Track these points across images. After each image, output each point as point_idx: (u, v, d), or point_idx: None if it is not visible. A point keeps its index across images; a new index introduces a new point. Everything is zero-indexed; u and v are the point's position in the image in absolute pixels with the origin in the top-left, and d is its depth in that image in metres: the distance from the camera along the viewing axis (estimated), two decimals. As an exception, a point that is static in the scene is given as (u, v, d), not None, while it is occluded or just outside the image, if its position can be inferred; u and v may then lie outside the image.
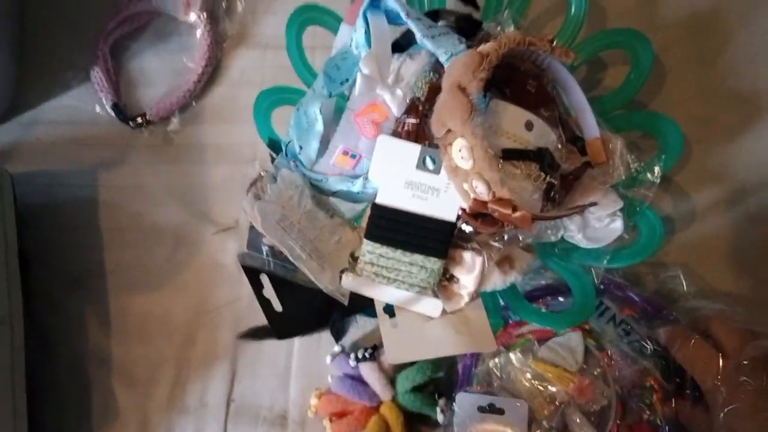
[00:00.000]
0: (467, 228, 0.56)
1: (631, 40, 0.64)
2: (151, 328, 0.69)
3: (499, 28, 0.62)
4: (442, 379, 0.63)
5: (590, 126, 0.57)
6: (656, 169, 0.60)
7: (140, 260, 0.71)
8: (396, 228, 0.56)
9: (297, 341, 0.68)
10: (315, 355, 0.67)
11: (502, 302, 0.61)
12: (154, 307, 0.70)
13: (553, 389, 0.60)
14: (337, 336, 0.64)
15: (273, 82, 0.69)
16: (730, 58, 0.72)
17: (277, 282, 0.58)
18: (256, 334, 0.64)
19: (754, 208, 0.67)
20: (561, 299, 0.63)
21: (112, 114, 0.73)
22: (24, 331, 0.63)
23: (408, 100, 0.57)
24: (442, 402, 0.62)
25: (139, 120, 0.73)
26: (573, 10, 0.66)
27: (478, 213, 0.52)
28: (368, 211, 0.60)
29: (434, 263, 0.56)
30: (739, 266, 0.66)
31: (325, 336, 0.67)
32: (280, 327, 0.59)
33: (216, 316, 0.69)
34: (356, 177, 0.58)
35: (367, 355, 0.62)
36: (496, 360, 0.62)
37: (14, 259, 0.65)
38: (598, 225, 0.59)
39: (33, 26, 0.77)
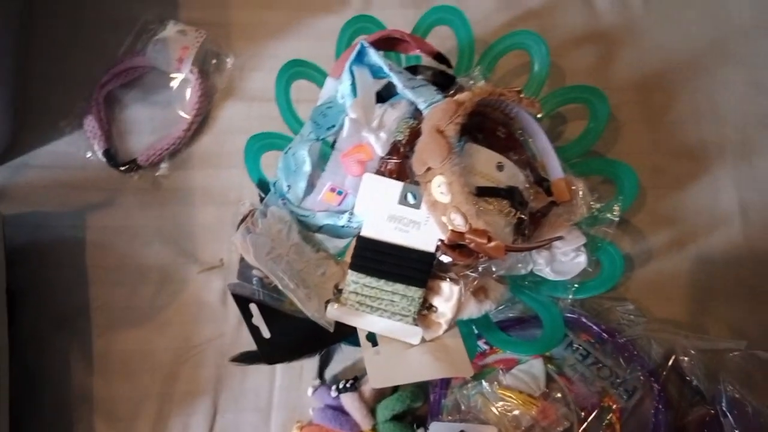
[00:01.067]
0: (445, 259, 0.59)
1: (589, 96, 0.70)
2: (135, 365, 0.70)
3: (471, 82, 0.67)
4: (421, 409, 0.65)
5: (555, 168, 0.62)
6: (615, 207, 0.64)
7: (126, 299, 0.72)
8: (379, 259, 0.58)
9: (278, 376, 0.69)
10: (296, 389, 0.68)
11: (476, 330, 0.63)
12: (137, 344, 0.70)
13: (518, 414, 0.62)
14: (321, 368, 0.66)
15: (258, 131, 0.72)
16: (677, 115, 0.79)
17: (265, 311, 0.60)
18: (246, 358, 0.65)
19: (703, 248, 0.72)
20: (523, 332, 0.66)
21: (103, 159, 0.76)
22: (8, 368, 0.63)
23: (390, 143, 0.61)
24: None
25: (130, 165, 0.75)
26: (536, 68, 0.71)
27: (455, 244, 0.55)
28: (352, 245, 0.63)
29: (415, 292, 0.59)
30: (691, 300, 0.71)
31: (306, 369, 0.68)
32: (268, 353, 0.61)
33: (199, 353, 0.70)
34: (342, 212, 0.61)
35: (348, 385, 0.64)
36: (464, 390, 0.65)
37: (3, 297, 0.66)
38: (564, 259, 0.63)
39: (30, 76, 0.80)
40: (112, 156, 0.76)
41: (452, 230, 0.54)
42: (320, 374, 0.66)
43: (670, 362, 0.65)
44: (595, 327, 0.66)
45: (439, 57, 0.71)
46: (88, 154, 0.76)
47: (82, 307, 0.71)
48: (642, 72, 0.82)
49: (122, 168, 0.76)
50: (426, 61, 0.73)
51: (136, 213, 0.75)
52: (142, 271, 0.73)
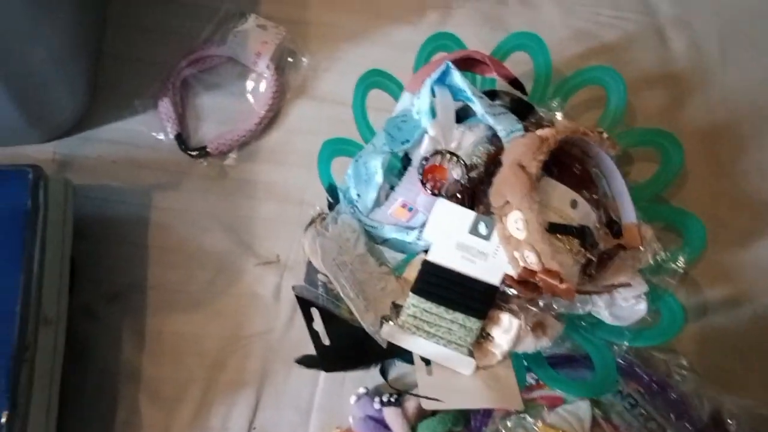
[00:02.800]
0: (509, 290, 0.58)
1: (664, 141, 0.68)
2: (183, 348, 0.69)
3: (551, 114, 0.65)
4: (460, 432, 0.64)
5: (629, 212, 0.61)
6: (681, 259, 0.63)
7: (181, 282, 0.71)
8: (443, 285, 0.58)
9: (321, 379, 0.68)
10: (337, 395, 0.67)
11: (525, 364, 0.62)
12: (188, 327, 0.70)
13: (560, 454, 0.61)
14: (384, 374, 0.65)
15: (327, 133, 0.71)
16: (743, 167, 0.77)
17: (326, 317, 0.60)
18: (309, 362, 0.64)
19: (759, 308, 0.70)
20: (572, 371, 0.65)
21: (175, 143, 0.75)
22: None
23: (466, 167, 0.60)
24: (458, 455, 0.62)
25: (199, 151, 0.75)
26: (612, 105, 0.70)
27: (524, 280, 0.54)
28: (412, 263, 0.62)
29: (474, 323, 0.58)
30: (740, 359, 0.69)
31: (349, 377, 0.68)
32: (326, 360, 0.60)
33: (247, 345, 0.69)
34: (410, 228, 0.60)
35: (392, 399, 0.63)
36: (507, 422, 0.63)
37: (67, 266, 0.66)
38: (624, 304, 0.61)
39: (108, 54, 0.79)
40: (183, 140, 0.76)
41: (524, 267, 0.53)
42: (384, 375, 0.65)
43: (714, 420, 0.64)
44: (646, 377, 0.64)
45: (515, 83, 0.70)
46: (160, 136, 0.76)
47: (138, 285, 0.71)
48: (711, 119, 0.80)
49: (192, 153, 0.75)
50: (501, 85, 0.72)
51: (200, 199, 0.74)
52: (200, 256, 0.72)
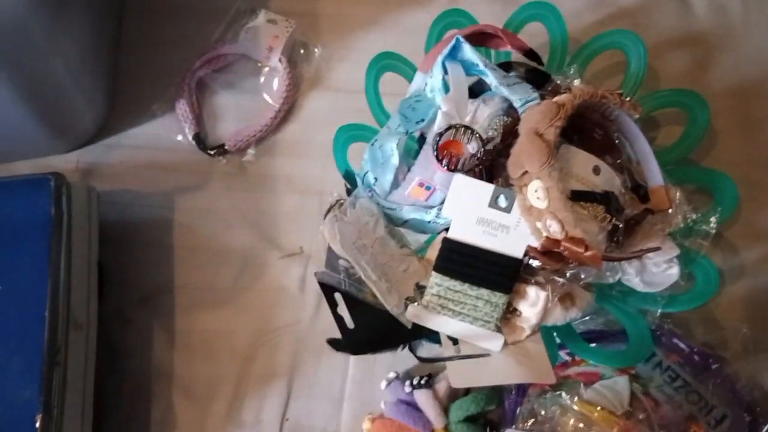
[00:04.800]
0: (534, 263, 0.55)
1: (689, 101, 0.65)
2: (214, 344, 0.69)
3: (568, 81, 0.63)
4: (493, 413, 0.62)
5: (655, 174, 0.58)
6: (712, 219, 0.60)
7: (208, 279, 0.71)
8: (465, 262, 0.56)
9: (351, 367, 0.67)
10: (368, 381, 0.66)
11: (557, 339, 0.60)
12: (218, 324, 0.69)
13: (598, 429, 0.58)
14: (413, 351, 0.64)
15: (343, 123, 0.70)
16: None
17: (350, 301, 0.59)
18: (338, 344, 0.63)
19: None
20: (606, 346, 0.62)
21: (193, 143, 0.75)
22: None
23: (482, 140, 0.58)
24: (492, 435, 0.61)
25: (218, 150, 0.75)
26: (632, 69, 0.67)
27: (548, 251, 0.52)
28: (434, 244, 0.60)
29: (499, 298, 0.56)
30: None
31: (379, 362, 0.66)
32: (352, 343, 0.59)
33: (276, 337, 0.69)
34: (429, 207, 0.59)
35: (422, 382, 0.61)
36: (542, 399, 0.61)
37: (95, 271, 0.66)
38: (655, 270, 0.58)
39: (124, 61, 0.80)
40: (201, 140, 0.75)
41: (547, 237, 0.51)
42: (413, 352, 0.64)
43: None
44: (687, 349, 0.61)
45: (530, 54, 0.67)
46: (179, 137, 0.76)
47: (166, 286, 0.71)
48: (739, 79, 0.76)
49: (211, 152, 0.75)
50: (516, 57, 0.69)
51: (222, 197, 0.74)
52: (225, 253, 0.72)
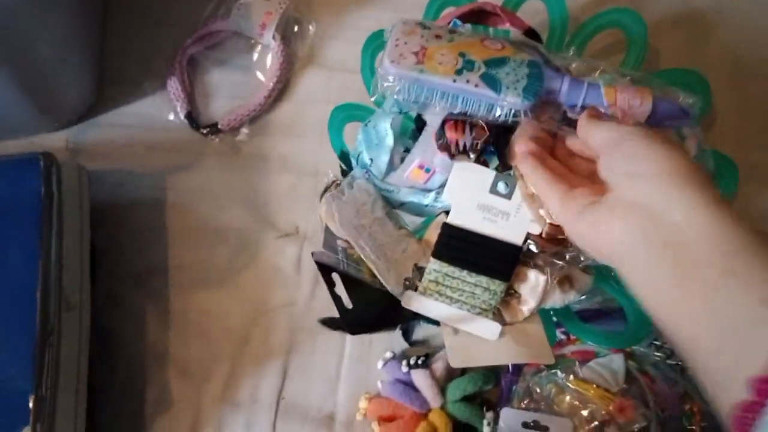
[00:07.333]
0: (533, 247, 0.55)
1: (688, 78, 0.64)
2: (209, 325, 0.68)
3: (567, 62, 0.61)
4: (490, 392, 0.62)
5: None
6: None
7: (202, 260, 0.70)
8: (464, 248, 0.55)
9: (348, 346, 0.66)
10: (365, 361, 0.65)
11: (554, 319, 0.60)
12: (212, 305, 0.68)
13: (593, 407, 0.58)
14: (406, 337, 0.63)
15: (338, 102, 0.68)
16: (773, 105, 0.72)
17: (348, 281, 0.58)
18: (333, 323, 0.62)
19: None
20: (603, 325, 0.62)
21: (185, 122, 0.73)
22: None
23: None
24: (489, 415, 0.60)
25: (211, 129, 0.73)
26: (633, 47, 0.66)
27: (552, 237, 0.51)
28: (432, 225, 0.59)
29: (498, 285, 0.55)
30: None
31: (376, 342, 0.66)
32: (350, 323, 0.58)
33: (271, 318, 0.68)
34: (427, 191, 0.58)
35: (419, 361, 0.61)
36: (537, 378, 0.61)
37: (87, 251, 0.64)
38: (654, 251, 0.58)
39: (114, 38, 0.77)
40: (193, 119, 0.73)
41: (550, 224, 0.50)
42: (406, 339, 0.64)
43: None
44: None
45: (530, 32, 0.66)
46: (170, 116, 0.74)
47: (159, 267, 0.69)
48: (737, 57, 0.75)
49: (203, 131, 0.73)
50: (515, 36, 0.68)
51: (215, 176, 0.72)
52: (219, 233, 0.70)
